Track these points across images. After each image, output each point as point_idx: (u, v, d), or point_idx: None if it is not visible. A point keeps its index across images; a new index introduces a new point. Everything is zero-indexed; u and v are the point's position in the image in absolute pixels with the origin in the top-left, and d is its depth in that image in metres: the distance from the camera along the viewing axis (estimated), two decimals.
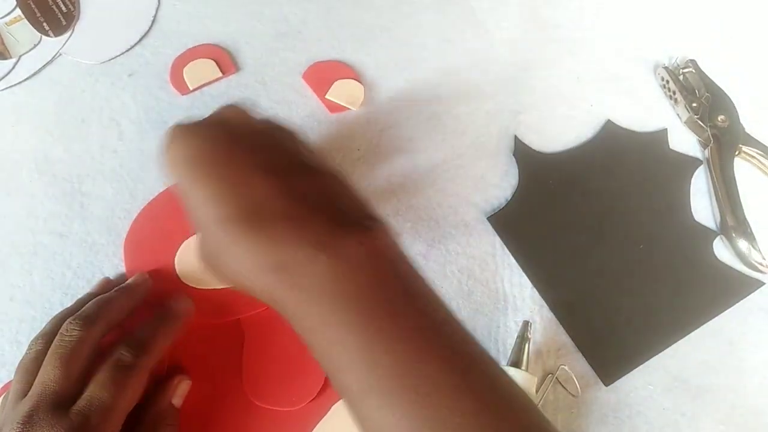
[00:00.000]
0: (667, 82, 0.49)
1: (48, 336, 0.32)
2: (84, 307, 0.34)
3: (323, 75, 0.48)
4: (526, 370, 0.37)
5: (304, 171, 0.29)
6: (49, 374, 0.30)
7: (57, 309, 0.40)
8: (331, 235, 0.26)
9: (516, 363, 0.38)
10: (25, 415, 0.28)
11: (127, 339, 0.33)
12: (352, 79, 0.48)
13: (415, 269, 0.28)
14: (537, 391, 0.38)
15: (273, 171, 0.28)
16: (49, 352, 0.31)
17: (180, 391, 0.36)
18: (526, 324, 0.39)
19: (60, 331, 0.32)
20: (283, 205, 0.26)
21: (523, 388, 0.36)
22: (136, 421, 0.32)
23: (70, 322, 0.32)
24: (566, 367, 0.39)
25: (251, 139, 0.30)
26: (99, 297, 0.35)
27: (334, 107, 0.47)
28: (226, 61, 0.48)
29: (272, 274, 0.26)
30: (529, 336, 0.39)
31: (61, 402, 0.29)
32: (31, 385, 0.30)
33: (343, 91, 0.47)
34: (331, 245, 0.26)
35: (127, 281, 0.38)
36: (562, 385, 0.39)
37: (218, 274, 0.29)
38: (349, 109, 0.47)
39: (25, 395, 0.30)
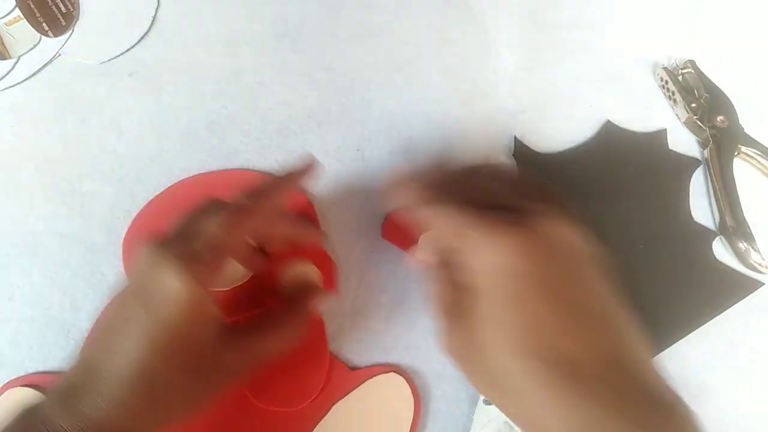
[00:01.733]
0: (666, 82, 0.49)
1: None
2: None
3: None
4: None
5: (619, 314, 0.28)
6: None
7: (56, 309, 0.40)
8: (650, 415, 0.24)
9: None
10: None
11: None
12: None
13: None
14: None
15: (599, 314, 0.26)
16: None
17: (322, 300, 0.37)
18: None
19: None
20: (599, 367, 0.25)
21: None
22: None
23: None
24: None
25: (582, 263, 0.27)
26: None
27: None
28: None
29: None
30: None
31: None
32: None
33: None
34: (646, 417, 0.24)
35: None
36: None
37: (479, 383, 0.28)
38: None
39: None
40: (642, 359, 0.26)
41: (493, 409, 0.36)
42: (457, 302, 0.28)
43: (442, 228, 0.29)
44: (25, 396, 0.37)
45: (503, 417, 0.36)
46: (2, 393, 0.37)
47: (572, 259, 0.27)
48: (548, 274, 0.26)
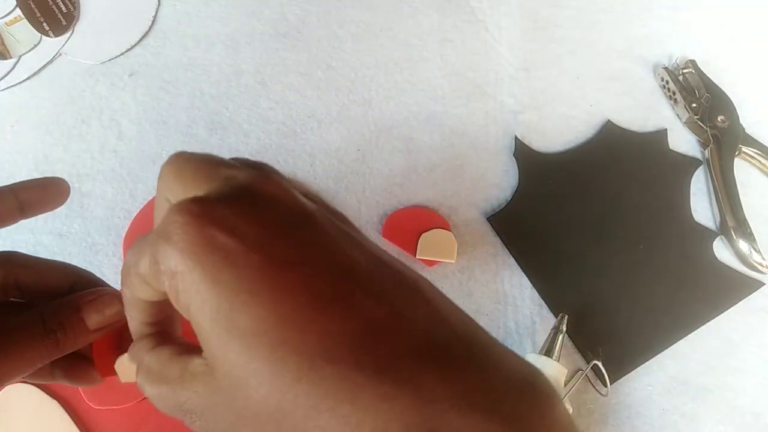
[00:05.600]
0: (667, 82, 0.49)
1: None
2: None
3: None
4: (558, 361, 0.38)
5: (394, 274, 0.19)
6: None
7: None
8: (492, 387, 0.16)
9: (548, 353, 0.39)
10: None
11: None
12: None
13: None
14: (565, 384, 0.39)
15: (365, 278, 0.18)
16: None
17: (101, 311, 0.25)
18: (562, 317, 0.40)
19: None
20: (405, 332, 0.17)
21: (553, 377, 0.38)
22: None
23: None
24: (599, 363, 0.39)
25: (316, 229, 0.19)
26: None
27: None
28: None
29: None
30: (563, 329, 0.39)
31: None
32: None
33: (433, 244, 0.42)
34: (499, 406, 0.16)
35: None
36: (591, 383, 0.40)
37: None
38: (444, 262, 0.43)
39: None
40: (462, 318, 0.19)
41: None
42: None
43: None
44: (28, 392, 0.37)
45: None
46: (2, 389, 0.37)
47: (294, 215, 0.18)
48: (259, 243, 0.17)
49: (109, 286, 0.27)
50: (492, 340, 0.18)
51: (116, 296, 0.25)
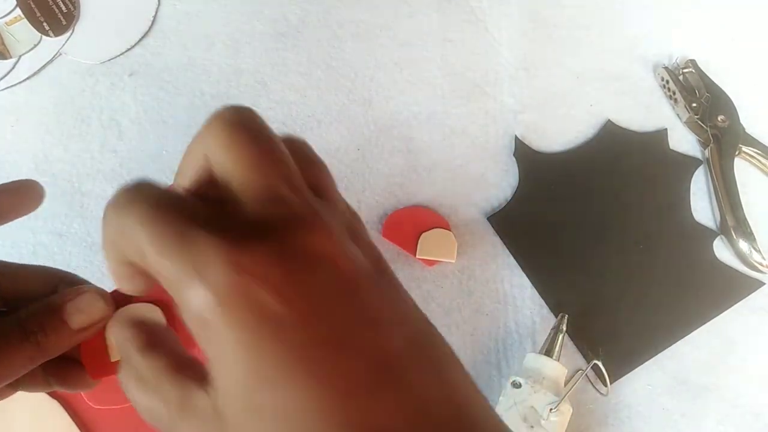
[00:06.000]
0: (667, 82, 0.49)
1: None
2: None
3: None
4: (558, 361, 0.38)
5: (425, 354, 0.18)
6: None
7: None
8: None
9: (548, 353, 0.39)
10: None
11: None
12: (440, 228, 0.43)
13: None
14: (565, 384, 0.39)
15: (399, 367, 0.17)
16: None
17: (83, 310, 0.23)
18: (562, 317, 0.40)
19: None
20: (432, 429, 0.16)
21: (553, 377, 0.38)
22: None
23: None
24: (599, 363, 0.39)
25: (365, 302, 0.17)
26: None
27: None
28: None
29: None
30: (563, 329, 0.39)
31: None
32: None
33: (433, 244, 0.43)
34: None
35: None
36: (591, 383, 0.40)
37: None
38: (444, 262, 0.43)
39: None
40: (482, 403, 0.18)
41: (519, 393, 0.37)
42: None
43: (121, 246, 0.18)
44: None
45: (530, 401, 0.36)
46: None
47: (345, 285, 0.17)
48: (309, 317, 0.16)
49: (95, 285, 0.26)
50: (485, 416, 0.18)
51: (100, 293, 0.24)
